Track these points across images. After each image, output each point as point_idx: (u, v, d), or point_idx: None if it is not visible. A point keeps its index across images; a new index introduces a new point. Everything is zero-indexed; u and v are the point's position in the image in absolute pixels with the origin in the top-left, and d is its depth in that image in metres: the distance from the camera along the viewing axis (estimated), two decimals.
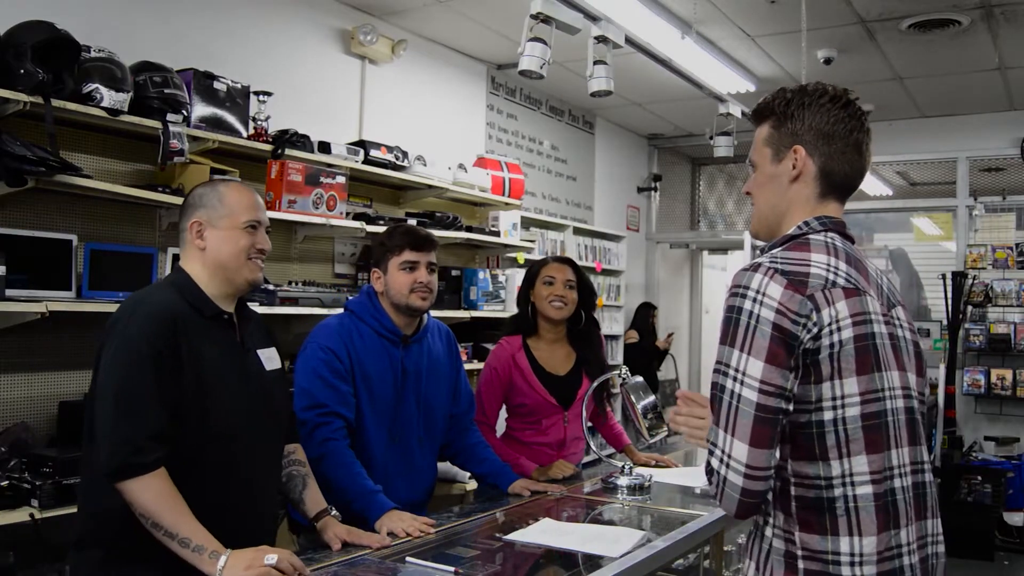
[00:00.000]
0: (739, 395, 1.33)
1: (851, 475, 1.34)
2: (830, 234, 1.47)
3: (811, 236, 1.46)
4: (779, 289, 1.34)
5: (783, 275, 1.35)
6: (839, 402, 1.34)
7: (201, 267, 1.96)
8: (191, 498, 1.75)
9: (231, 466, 1.89)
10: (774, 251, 1.45)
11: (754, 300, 1.34)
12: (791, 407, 1.35)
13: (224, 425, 1.88)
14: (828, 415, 1.34)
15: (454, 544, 2.10)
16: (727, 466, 1.34)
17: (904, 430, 1.41)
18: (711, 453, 1.38)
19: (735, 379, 1.34)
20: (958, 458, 5.79)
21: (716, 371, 1.38)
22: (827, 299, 1.35)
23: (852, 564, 1.33)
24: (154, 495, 1.72)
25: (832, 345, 1.34)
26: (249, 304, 2.15)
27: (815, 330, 1.33)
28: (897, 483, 1.37)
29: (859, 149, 1.49)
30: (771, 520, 1.41)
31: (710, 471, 1.38)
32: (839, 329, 1.34)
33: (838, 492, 1.34)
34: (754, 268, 1.38)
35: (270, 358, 2.07)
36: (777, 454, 1.35)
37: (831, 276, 1.38)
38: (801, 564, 1.35)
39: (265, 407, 1.99)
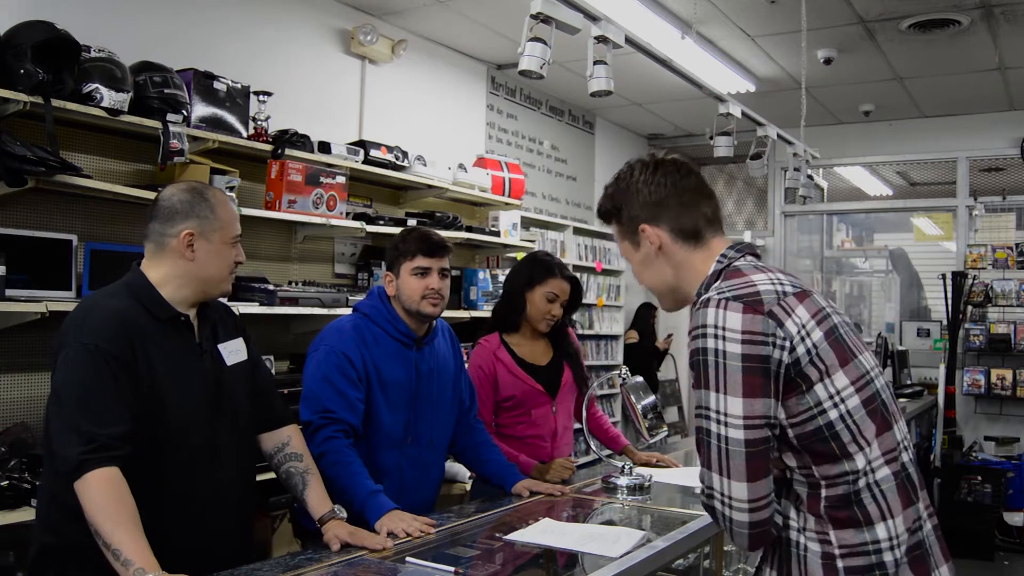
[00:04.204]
0: (726, 437, 1.33)
1: (870, 462, 1.36)
2: (747, 257, 1.50)
3: (736, 264, 1.48)
4: (737, 316, 1.34)
5: (737, 300, 1.36)
6: (837, 398, 1.36)
7: (172, 274, 1.90)
8: (148, 506, 1.69)
9: (189, 469, 1.86)
10: (714, 285, 1.44)
11: (715, 336, 1.34)
12: (777, 431, 1.36)
13: (178, 429, 1.85)
14: (833, 414, 1.35)
15: (454, 544, 2.10)
16: (730, 507, 1.34)
17: (893, 405, 1.45)
18: (709, 496, 1.37)
19: (718, 421, 1.34)
20: (958, 458, 5.80)
21: (698, 415, 1.38)
22: (785, 310, 1.36)
23: (892, 548, 1.35)
24: (98, 496, 1.63)
25: (809, 351, 1.35)
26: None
27: (787, 344, 1.34)
28: (904, 457, 1.41)
29: (697, 191, 1.53)
30: (800, 525, 1.40)
31: (711, 510, 1.38)
32: (808, 334, 1.36)
33: (862, 483, 1.36)
34: (704, 304, 1.38)
35: (234, 351, 2.02)
36: (771, 479, 1.36)
37: (778, 287, 1.40)
38: (840, 564, 1.35)
39: (223, 407, 1.95)
